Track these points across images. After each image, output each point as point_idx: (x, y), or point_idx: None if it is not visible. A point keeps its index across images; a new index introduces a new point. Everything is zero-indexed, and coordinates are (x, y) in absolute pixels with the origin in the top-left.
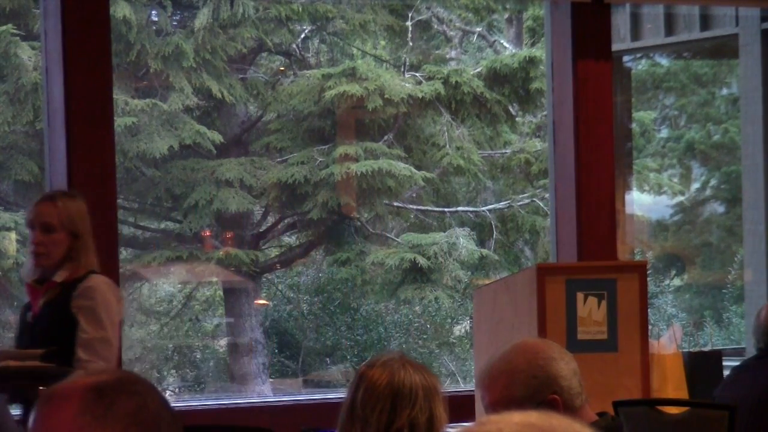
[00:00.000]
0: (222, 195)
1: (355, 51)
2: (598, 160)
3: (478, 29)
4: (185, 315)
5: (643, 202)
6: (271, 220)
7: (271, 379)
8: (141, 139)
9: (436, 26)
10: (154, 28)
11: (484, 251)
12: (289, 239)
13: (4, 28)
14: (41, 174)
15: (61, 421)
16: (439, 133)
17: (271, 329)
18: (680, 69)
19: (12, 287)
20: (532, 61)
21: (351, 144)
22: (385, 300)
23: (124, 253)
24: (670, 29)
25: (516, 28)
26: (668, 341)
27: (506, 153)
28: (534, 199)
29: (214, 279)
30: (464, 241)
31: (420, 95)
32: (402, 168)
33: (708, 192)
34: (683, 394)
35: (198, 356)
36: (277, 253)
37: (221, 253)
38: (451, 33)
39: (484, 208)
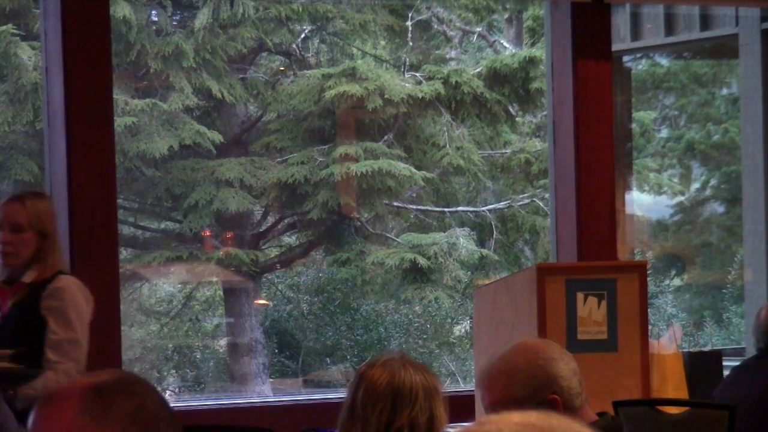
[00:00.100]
0: (222, 195)
1: (355, 51)
2: (598, 160)
3: (478, 29)
4: (185, 315)
5: (643, 202)
6: (271, 220)
7: (271, 379)
8: (141, 139)
9: (436, 26)
10: (154, 28)
11: (484, 251)
12: (289, 239)
13: (4, 28)
14: (41, 174)
15: (60, 422)
16: (439, 133)
17: (271, 329)
18: (680, 69)
19: None
20: (532, 61)
21: (351, 144)
22: (385, 300)
23: (124, 253)
24: (670, 29)
25: (516, 28)
26: (668, 341)
27: (506, 153)
28: (534, 199)
29: (214, 279)
30: (464, 241)
31: (420, 95)
32: (402, 168)
33: (708, 192)
34: (683, 394)
35: (198, 356)
36: (277, 253)
37: (221, 253)
38: (451, 33)
39: (484, 208)
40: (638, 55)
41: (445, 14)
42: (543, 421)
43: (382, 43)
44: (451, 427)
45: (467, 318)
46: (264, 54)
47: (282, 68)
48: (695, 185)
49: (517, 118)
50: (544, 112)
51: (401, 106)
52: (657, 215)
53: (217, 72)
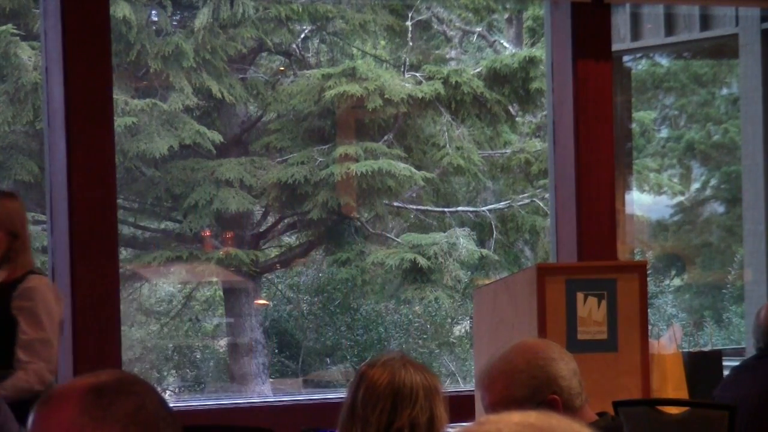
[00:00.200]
0: (222, 195)
1: (355, 51)
2: (598, 160)
3: (478, 29)
4: (185, 315)
5: (643, 202)
6: (271, 220)
7: (271, 379)
8: (141, 139)
9: (436, 26)
10: (154, 28)
11: (484, 251)
12: (289, 239)
13: (4, 28)
14: (41, 174)
15: (59, 422)
16: (439, 133)
17: (271, 329)
18: (680, 69)
19: None
20: (532, 61)
21: (351, 144)
22: (385, 300)
23: (124, 253)
24: (670, 29)
25: (516, 28)
26: (668, 341)
27: (506, 153)
28: (534, 199)
29: (214, 279)
30: (464, 241)
31: (420, 95)
32: (402, 168)
33: (708, 192)
34: (683, 394)
35: (198, 356)
36: (277, 253)
37: (221, 253)
38: (451, 33)
39: (484, 208)
40: (638, 55)
41: (445, 14)
42: (543, 421)
43: (382, 43)
44: (451, 427)
45: (467, 318)
46: (264, 54)
47: (282, 68)
48: (695, 185)
49: (517, 118)
50: (544, 112)
51: (401, 106)
52: (657, 215)
53: (217, 72)
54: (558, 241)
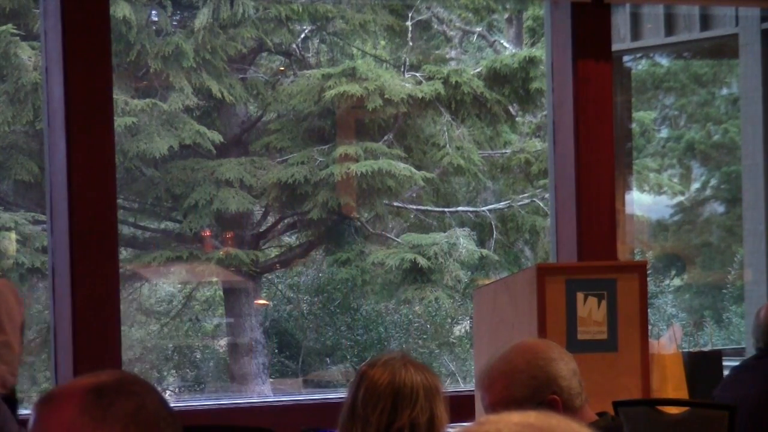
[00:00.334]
0: (222, 195)
1: (355, 51)
2: (598, 160)
3: (478, 29)
4: (185, 315)
5: (643, 202)
6: (271, 220)
7: (271, 379)
8: (141, 139)
9: (436, 26)
10: (154, 28)
11: (484, 251)
12: (289, 239)
13: (4, 28)
14: (41, 174)
15: (60, 422)
16: (439, 133)
17: (271, 329)
18: (680, 69)
19: None
20: (532, 61)
21: (351, 144)
22: (385, 300)
23: (124, 253)
24: (670, 29)
25: (516, 28)
26: (668, 341)
27: (506, 153)
28: (534, 199)
29: (214, 279)
30: (464, 241)
31: (420, 95)
32: (402, 168)
33: (708, 192)
34: (683, 394)
35: (198, 356)
36: (277, 253)
37: (221, 253)
38: (451, 33)
39: (484, 208)
40: (638, 55)
41: (445, 14)
42: (542, 421)
43: (382, 43)
44: (451, 427)
45: (467, 318)
46: (264, 54)
47: (282, 68)
48: (695, 185)
49: (517, 118)
50: (544, 112)
51: (401, 106)
52: (657, 215)
53: (217, 72)
54: (558, 241)
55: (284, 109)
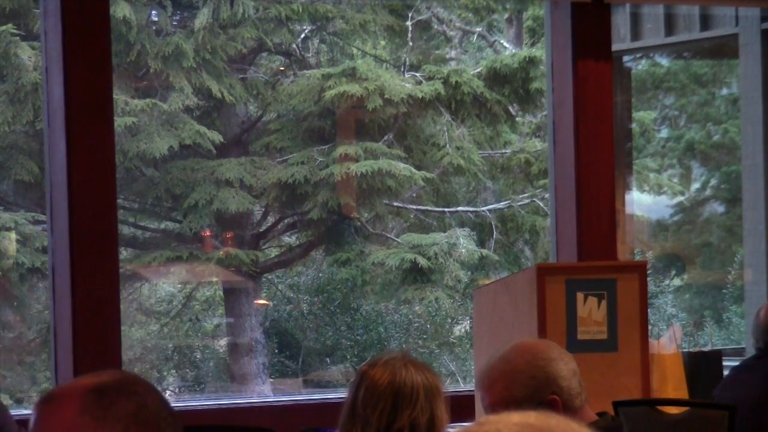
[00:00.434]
0: (222, 195)
1: (355, 51)
2: (598, 160)
3: (478, 29)
4: (185, 315)
5: (643, 202)
6: (271, 220)
7: (271, 379)
8: (141, 139)
9: (436, 26)
10: (154, 28)
11: (484, 251)
12: (289, 239)
13: (4, 28)
14: (41, 174)
15: (61, 422)
16: (439, 133)
17: (271, 329)
18: (680, 69)
19: (12, 287)
20: (532, 61)
21: (351, 144)
22: (385, 300)
23: (124, 253)
24: (670, 29)
25: (516, 28)
26: (668, 341)
27: (506, 153)
28: (534, 199)
29: (214, 279)
30: (464, 241)
31: (420, 95)
32: (402, 168)
33: (708, 192)
34: (683, 394)
35: (198, 356)
36: (277, 253)
37: (221, 253)
38: (451, 33)
39: (484, 208)
40: (638, 55)
41: (445, 14)
42: (542, 421)
43: (382, 43)
44: (451, 427)
45: (467, 318)
46: (264, 54)
47: (282, 68)
48: (695, 185)
49: (517, 118)
50: (544, 112)
51: (401, 106)
52: (657, 215)
53: (217, 72)
54: (558, 241)
55: (284, 109)
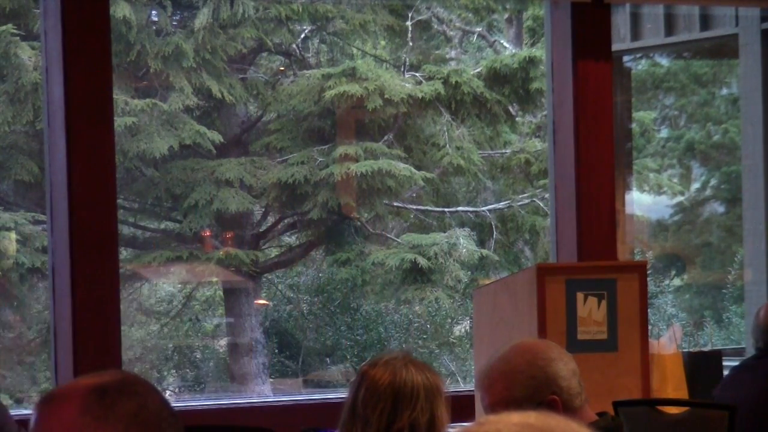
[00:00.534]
0: (222, 195)
1: (355, 51)
2: (598, 160)
3: (478, 29)
4: (185, 315)
5: (643, 202)
6: (271, 220)
7: (271, 379)
8: (141, 139)
9: (436, 26)
10: (154, 28)
11: (484, 251)
12: (289, 239)
13: (4, 28)
14: (41, 174)
15: (61, 422)
16: (439, 133)
17: (271, 329)
18: (680, 69)
19: (12, 287)
20: (532, 61)
21: (351, 144)
22: (385, 300)
23: (124, 253)
24: (670, 29)
25: (516, 28)
26: (668, 341)
27: (506, 153)
28: (534, 199)
29: (214, 279)
30: (464, 242)
31: (420, 95)
32: (402, 168)
33: (708, 192)
34: (683, 394)
35: (198, 356)
36: (277, 253)
37: (221, 253)
38: (451, 33)
39: (484, 208)
40: (638, 55)
41: (445, 14)
42: (542, 421)
43: (382, 43)
44: (451, 428)
45: (467, 318)
46: (264, 54)
47: (282, 68)
48: (695, 185)
49: (517, 118)
50: (544, 112)
51: (401, 106)
52: (657, 215)
53: (217, 72)
54: (558, 241)
55: (284, 109)
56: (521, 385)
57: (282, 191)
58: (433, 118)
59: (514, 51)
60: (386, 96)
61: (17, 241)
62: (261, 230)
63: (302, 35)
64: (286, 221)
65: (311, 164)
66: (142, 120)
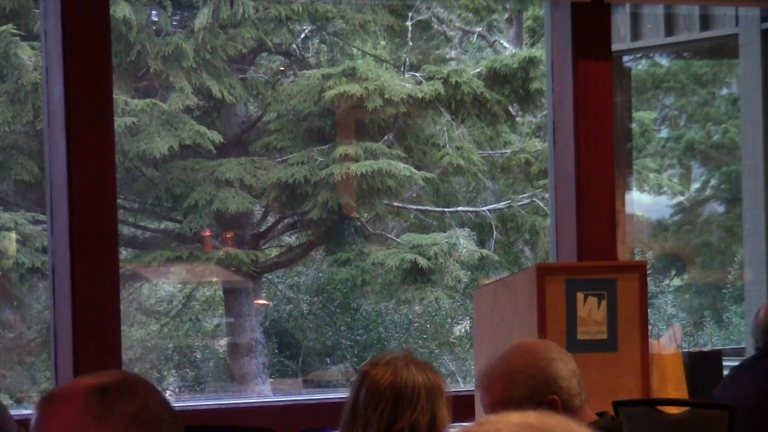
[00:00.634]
0: (222, 195)
1: (355, 51)
2: (598, 160)
3: (478, 29)
4: (185, 315)
5: (643, 202)
6: (271, 220)
7: (271, 379)
8: (141, 139)
9: (436, 26)
10: (154, 28)
11: (484, 251)
12: (289, 239)
13: (4, 28)
14: (41, 174)
15: (62, 421)
16: (439, 133)
17: (271, 329)
18: (680, 69)
19: (12, 287)
20: (532, 61)
21: (351, 144)
22: (385, 300)
23: (124, 253)
24: (670, 29)
25: (516, 28)
26: (668, 341)
27: (506, 153)
28: (534, 199)
29: (214, 279)
30: (464, 242)
31: (420, 95)
32: (402, 168)
33: (708, 192)
34: (683, 394)
35: (198, 356)
36: (277, 253)
37: (221, 253)
38: (451, 33)
39: (484, 208)
40: (638, 55)
41: (445, 14)
42: (542, 421)
43: (382, 43)
44: (451, 427)
45: (467, 318)
46: (264, 54)
47: (282, 68)
48: (695, 185)
49: (517, 118)
50: (544, 112)
51: (401, 106)
52: (657, 215)
53: (217, 72)
54: (558, 241)
55: (284, 109)
56: (521, 385)
57: (282, 191)
58: (433, 118)
59: (514, 51)
60: (386, 96)
61: (17, 241)
62: (261, 230)
63: (302, 35)
64: (286, 221)
65: (311, 164)
66: (142, 120)
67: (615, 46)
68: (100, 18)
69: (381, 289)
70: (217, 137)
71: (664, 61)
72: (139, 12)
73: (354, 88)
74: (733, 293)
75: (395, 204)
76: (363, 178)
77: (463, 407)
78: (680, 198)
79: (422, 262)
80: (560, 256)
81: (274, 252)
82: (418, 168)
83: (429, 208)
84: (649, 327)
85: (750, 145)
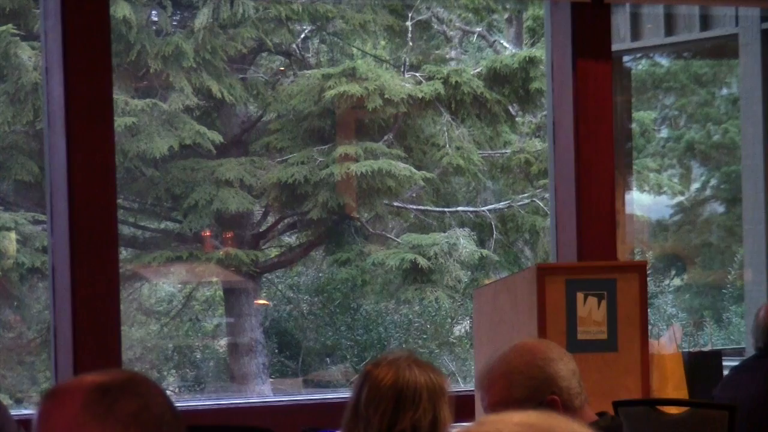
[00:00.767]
0: (222, 195)
1: (355, 51)
2: (598, 160)
3: (478, 29)
4: (185, 315)
5: (643, 202)
6: (271, 220)
7: (271, 379)
8: (141, 139)
9: (436, 26)
10: (154, 28)
11: (484, 251)
12: (289, 239)
13: (4, 28)
14: (41, 174)
15: (62, 418)
16: (439, 133)
17: (271, 329)
18: (680, 69)
19: (12, 287)
20: (532, 61)
21: (351, 144)
22: (385, 300)
23: (124, 253)
24: (670, 29)
25: (516, 28)
26: (668, 341)
27: (506, 153)
28: (534, 199)
29: (214, 279)
30: (464, 242)
31: (420, 95)
32: (402, 168)
33: (708, 192)
34: (683, 394)
35: (198, 356)
36: (277, 253)
37: (221, 253)
38: (451, 33)
39: (484, 208)
40: (638, 55)
41: (445, 14)
42: (542, 421)
43: (382, 43)
44: (451, 428)
45: (467, 318)
46: (264, 54)
47: (282, 68)
48: (695, 185)
49: (517, 118)
50: (544, 112)
51: (401, 106)
52: (657, 215)
53: (217, 72)
54: (558, 241)
55: (284, 109)
56: (521, 385)
57: (282, 191)
58: (433, 118)
59: (514, 51)
60: (386, 96)
61: (17, 241)
62: (261, 230)
63: (302, 35)
64: (286, 221)
65: (311, 164)
66: (142, 120)
67: (615, 46)
68: (100, 18)
69: (381, 289)
70: (217, 137)
71: (664, 61)
72: (139, 12)
73: (354, 88)
74: (733, 293)
75: (395, 204)
76: (363, 178)
77: (463, 407)
78: (680, 198)
79: (422, 262)
80: (560, 256)
81: (274, 252)
82: (418, 168)
83: (429, 208)
84: (649, 327)
85: (750, 145)
